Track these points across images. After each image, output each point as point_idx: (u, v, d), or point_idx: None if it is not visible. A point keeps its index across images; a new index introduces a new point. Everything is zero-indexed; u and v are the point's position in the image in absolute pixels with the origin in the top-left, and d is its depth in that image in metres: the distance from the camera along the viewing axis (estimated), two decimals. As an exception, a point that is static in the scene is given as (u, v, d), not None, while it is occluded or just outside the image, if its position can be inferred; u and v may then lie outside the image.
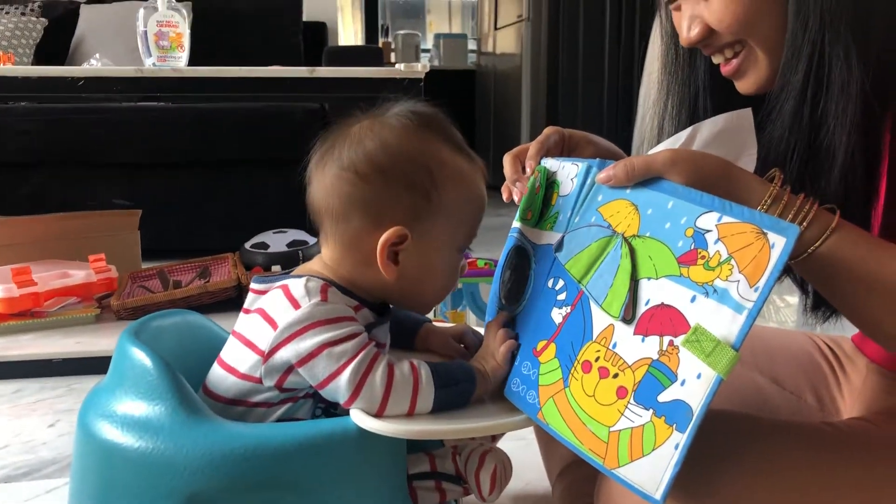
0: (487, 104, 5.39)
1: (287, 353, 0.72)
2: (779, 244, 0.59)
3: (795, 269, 0.68)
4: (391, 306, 0.83)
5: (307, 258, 1.90)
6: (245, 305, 0.78)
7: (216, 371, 0.78)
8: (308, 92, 1.61)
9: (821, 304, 0.82)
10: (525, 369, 0.74)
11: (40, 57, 2.82)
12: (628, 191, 0.71)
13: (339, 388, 0.70)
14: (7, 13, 2.86)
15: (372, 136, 0.76)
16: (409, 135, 0.77)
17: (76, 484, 0.76)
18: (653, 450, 0.61)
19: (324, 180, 0.77)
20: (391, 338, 0.86)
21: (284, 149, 2.60)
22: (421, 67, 1.57)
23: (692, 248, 0.64)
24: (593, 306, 0.70)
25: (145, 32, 1.63)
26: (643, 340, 0.65)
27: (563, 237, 0.76)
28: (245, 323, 0.77)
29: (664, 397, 0.61)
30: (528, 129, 4.45)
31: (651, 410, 0.62)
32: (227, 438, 0.69)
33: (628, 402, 0.64)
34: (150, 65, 1.64)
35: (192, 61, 1.73)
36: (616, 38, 4.35)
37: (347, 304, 0.75)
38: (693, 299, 0.63)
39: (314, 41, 3.35)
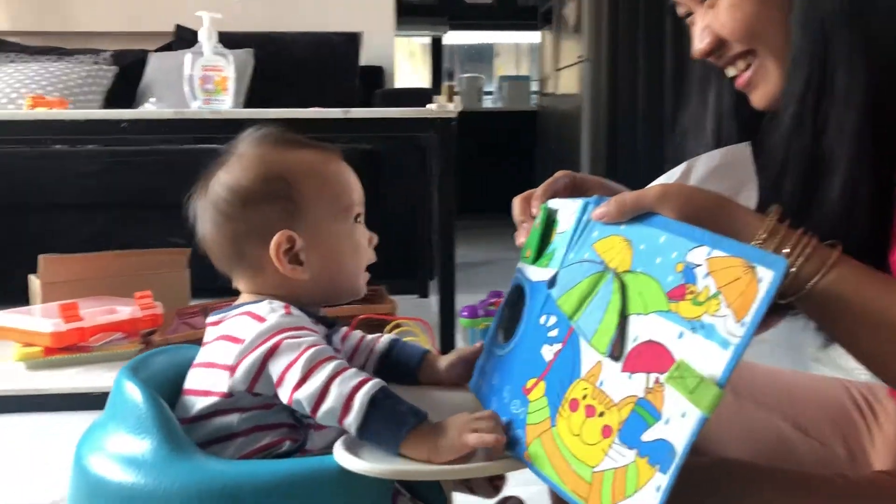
0: (548, 144, 5.39)
1: (256, 354, 0.73)
2: (767, 278, 0.57)
3: (797, 306, 0.65)
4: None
5: (346, 297, 1.91)
6: (204, 340, 0.81)
7: (180, 402, 0.79)
8: (343, 132, 1.64)
9: None
10: (514, 408, 0.72)
11: (110, 102, 2.95)
12: (623, 226, 0.70)
13: (293, 374, 0.70)
14: (81, 62, 3.01)
15: (222, 179, 0.82)
16: (249, 159, 0.83)
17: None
18: (635, 491, 0.58)
19: (205, 231, 0.83)
20: (392, 378, 0.86)
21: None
22: (453, 107, 1.57)
23: (681, 282, 0.63)
24: (583, 343, 0.68)
25: (191, 76, 1.69)
26: (630, 378, 0.63)
27: (556, 273, 0.75)
28: (205, 352, 0.80)
29: (648, 436, 0.59)
30: (588, 170, 4.42)
31: (635, 450, 0.60)
32: (206, 476, 0.69)
33: (613, 441, 0.62)
34: (196, 108, 1.69)
35: (252, 105, 1.78)
36: (677, 77, 4.31)
37: (308, 321, 0.78)
38: (680, 335, 0.61)
39: (373, 85, 3.41)
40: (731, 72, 0.80)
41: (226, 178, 0.82)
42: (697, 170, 0.76)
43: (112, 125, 1.47)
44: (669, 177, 0.77)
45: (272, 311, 0.76)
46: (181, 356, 0.88)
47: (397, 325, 1.56)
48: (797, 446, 0.89)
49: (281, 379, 0.71)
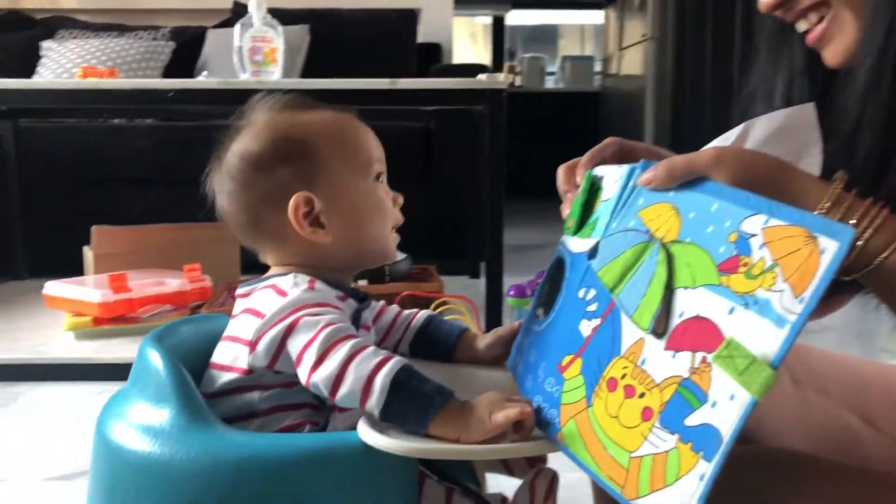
0: (611, 127, 5.27)
1: (275, 331, 0.70)
2: (830, 249, 0.51)
3: (862, 283, 0.59)
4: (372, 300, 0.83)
5: (394, 274, 1.88)
6: (233, 313, 0.79)
7: (206, 375, 0.77)
8: (390, 104, 1.60)
9: None
10: (548, 386, 0.68)
11: (167, 77, 2.96)
12: (671, 193, 0.65)
13: (310, 355, 0.67)
14: (140, 38, 3.03)
15: (234, 148, 0.79)
16: (259, 126, 0.79)
17: (90, 485, 0.75)
18: (676, 480, 0.54)
19: (223, 204, 0.81)
20: (428, 356, 0.84)
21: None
22: (503, 78, 1.51)
23: (734, 254, 0.57)
24: (624, 318, 0.63)
25: (240, 48, 1.67)
26: (674, 356, 0.58)
27: (597, 243, 0.70)
28: (231, 325, 0.77)
29: (692, 420, 0.54)
30: (651, 152, 4.29)
31: (677, 435, 0.55)
32: (222, 448, 0.66)
33: (653, 424, 0.57)
34: (244, 79, 1.67)
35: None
36: (746, 56, 4.15)
37: (335, 295, 0.75)
38: (731, 311, 0.55)
39: (430, 63, 3.36)
40: (802, 26, 0.73)
41: (237, 147, 0.79)
42: (755, 132, 0.69)
43: (158, 95, 1.46)
44: (725, 139, 0.71)
45: (295, 286, 0.73)
46: (209, 326, 0.85)
47: (443, 303, 1.52)
48: (863, 439, 0.82)
49: (299, 358, 0.68)
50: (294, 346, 0.69)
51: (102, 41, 2.87)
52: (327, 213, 0.77)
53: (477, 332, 0.86)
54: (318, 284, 0.74)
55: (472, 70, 2.54)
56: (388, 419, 0.65)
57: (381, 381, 0.64)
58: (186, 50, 3.10)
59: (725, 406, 0.52)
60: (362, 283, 1.86)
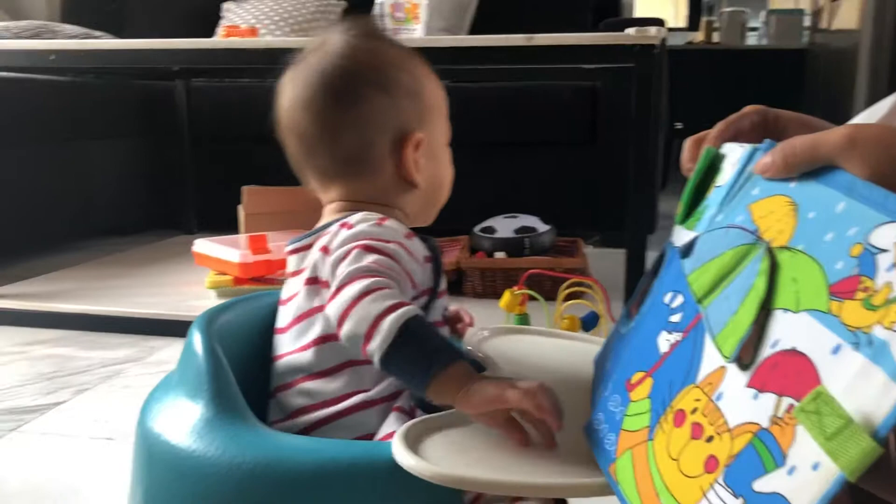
0: (817, 90, 4.78)
1: (333, 258, 0.66)
2: None
3: None
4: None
5: (534, 246, 1.76)
6: (291, 269, 0.75)
7: (275, 340, 0.74)
8: (527, 63, 1.47)
9: None
10: (613, 404, 0.56)
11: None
12: (792, 184, 0.51)
13: (334, 284, 0.63)
14: (314, -3, 3.06)
15: (335, 52, 0.72)
16: (368, 46, 0.74)
17: (132, 461, 0.72)
18: None
19: (297, 110, 0.73)
20: None
21: (547, 131, 2.49)
22: (655, 32, 1.34)
23: (854, 273, 0.43)
24: (707, 339, 0.50)
25: (382, 4, 1.61)
26: (756, 397, 0.45)
27: (694, 239, 0.57)
28: (294, 283, 0.73)
29: (761, 485, 0.42)
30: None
31: (741, 500, 0.42)
32: (241, 448, 0.59)
33: (716, 479, 0.45)
34: (386, 37, 1.61)
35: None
36: None
37: (404, 233, 0.71)
38: (836, 349, 0.41)
39: (608, 17, 3.16)
40: None
41: (342, 51, 0.72)
42: None
43: (292, 53, 1.42)
44: (871, 114, 0.55)
45: (363, 221, 0.69)
46: (268, 301, 0.80)
47: (575, 284, 1.39)
48: None
49: (338, 292, 0.63)
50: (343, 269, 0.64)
51: (276, 2, 2.92)
52: (424, 160, 0.75)
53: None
54: (390, 222, 0.70)
55: (643, 25, 2.36)
56: (388, 368, 0.58)
57: (388, 323, 0.57)
58: (357, 9, 3.10)
59: (805, 476, 0.39)
60: (500, 254, 1.77)
